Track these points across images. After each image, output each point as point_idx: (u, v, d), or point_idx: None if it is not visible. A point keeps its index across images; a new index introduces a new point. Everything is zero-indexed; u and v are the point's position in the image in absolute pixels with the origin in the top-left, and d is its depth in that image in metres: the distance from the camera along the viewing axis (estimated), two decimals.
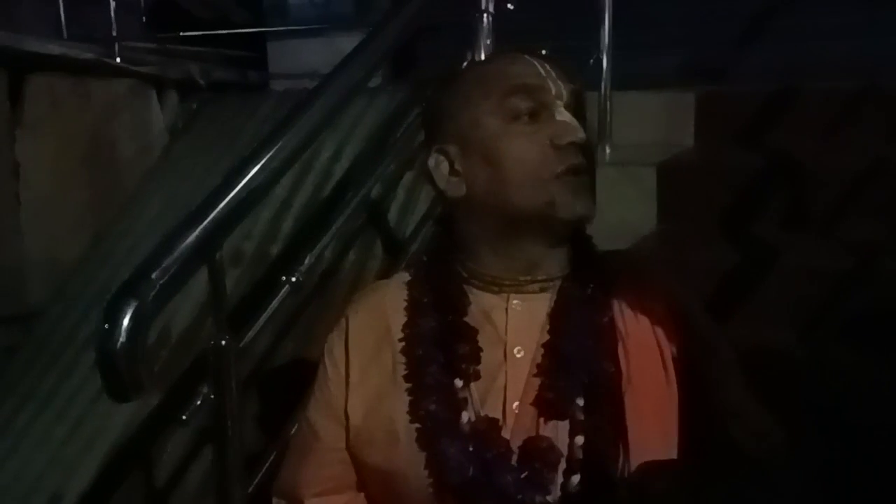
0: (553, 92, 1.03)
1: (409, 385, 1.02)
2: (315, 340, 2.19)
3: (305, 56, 3.41)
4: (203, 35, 3.32)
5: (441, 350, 1.02)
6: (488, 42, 2.16)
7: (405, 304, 1.07)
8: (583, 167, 1.01)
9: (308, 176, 2.60)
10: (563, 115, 1.02)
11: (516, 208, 1.01)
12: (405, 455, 0.99)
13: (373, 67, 1.49)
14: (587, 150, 1.03)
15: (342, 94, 1.35)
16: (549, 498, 0.94)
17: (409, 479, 0.99)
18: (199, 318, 2.08)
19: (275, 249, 2.41)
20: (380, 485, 1.05)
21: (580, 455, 0.95)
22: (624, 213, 2.31)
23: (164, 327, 2.15)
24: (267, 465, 1.31)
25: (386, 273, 2.13)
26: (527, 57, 1.07)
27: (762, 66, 2.72)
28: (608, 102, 2.53)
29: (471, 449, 0.97)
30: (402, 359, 1.04)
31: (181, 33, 3.30)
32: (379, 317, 1.08)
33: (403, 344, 1.04)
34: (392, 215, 2.39)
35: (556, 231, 1.03)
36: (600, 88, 2.54)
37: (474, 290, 1.05)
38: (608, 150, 2.54)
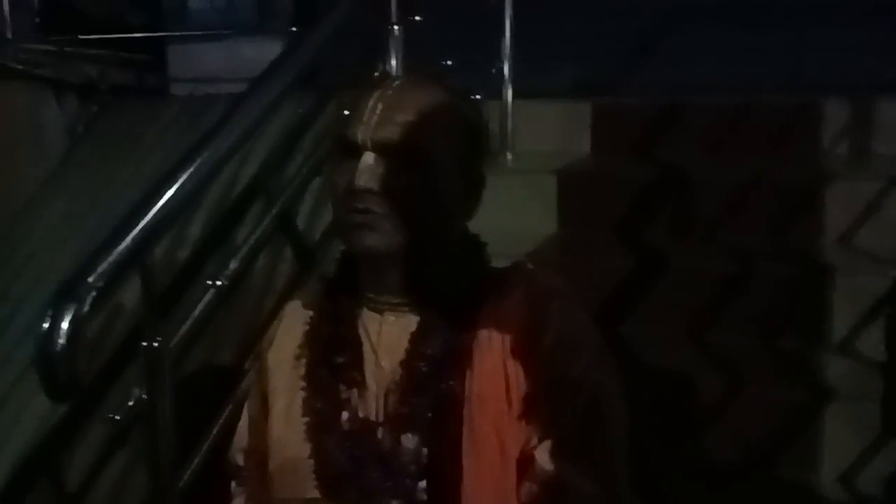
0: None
1: (304, 384, 1.18)
2: (226, 344, 2.21)
3: (206, 61, 3.39)
4: (100, 38, 3.27)
5: (332, 356, 1.16)
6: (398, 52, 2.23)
7: (311, 314, 1.22)
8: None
9: (214, 181, 2.59)
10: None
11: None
12: (295, 444, 1.15)
13: (302, 71, 1.53)
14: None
15: (273, 98, 1.39)
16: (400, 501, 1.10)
17: (296, 465, 1.14)
18: (122, 325, 2.07)
19: (182, 255, 2.40)
20: (276, 469, 1.19)
21: (426, 465, 1.09)
22: (525, 218, 2.41)
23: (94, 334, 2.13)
24: (192, 466, 1.33)
25: (296, 278, 2.17)
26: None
27: (653, 81, 2.87)
28: (509, 111, 2.64)
29: (348, 444, 1.12)
30: (304, 360, 1.19)
31: (79, 36, 3.23)
32: (295, 323, 1.24)
33: (307, 348, 1.20)
34: (301, 221, 2.42)
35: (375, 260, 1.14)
36: (502, 97, 2.65)
37: (364, 308, 1.18)
38: (509, 157, 2.65)
